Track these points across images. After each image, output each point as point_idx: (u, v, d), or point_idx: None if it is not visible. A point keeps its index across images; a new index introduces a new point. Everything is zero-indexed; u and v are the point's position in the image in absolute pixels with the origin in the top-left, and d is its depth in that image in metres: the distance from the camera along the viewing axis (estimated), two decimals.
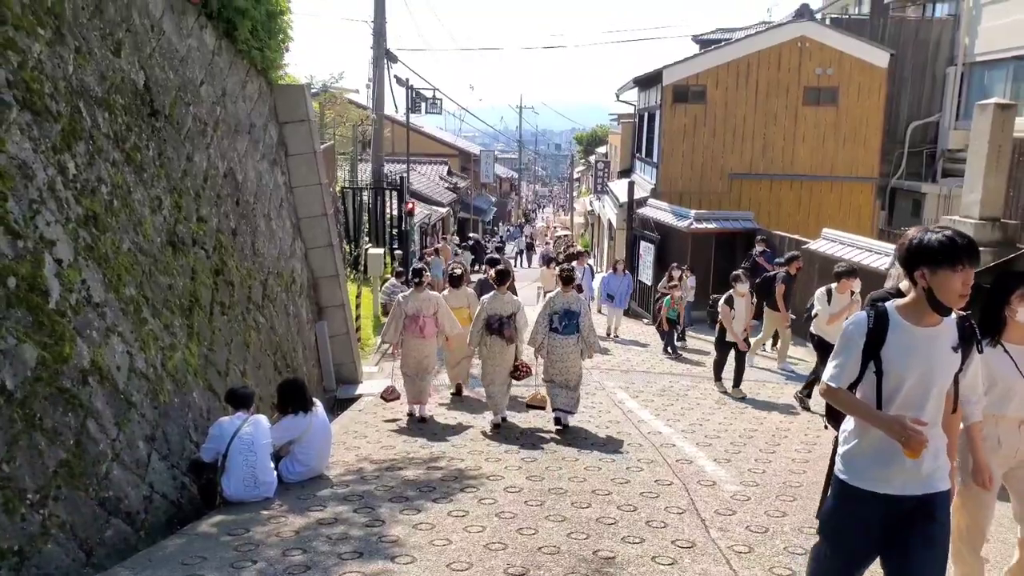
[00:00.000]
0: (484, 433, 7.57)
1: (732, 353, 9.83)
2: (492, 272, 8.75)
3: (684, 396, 9.59)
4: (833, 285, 8.85)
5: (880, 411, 2.87)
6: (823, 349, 8.75)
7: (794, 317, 11.86)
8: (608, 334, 14.90)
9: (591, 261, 22.83)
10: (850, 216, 20.19)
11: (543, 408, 7.81)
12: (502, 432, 7.56)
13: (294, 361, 8.88)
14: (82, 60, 5.04)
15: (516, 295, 8.51)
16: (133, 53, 5.84)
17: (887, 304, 2.99)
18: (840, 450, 3.05)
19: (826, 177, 20.82)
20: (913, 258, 2.85)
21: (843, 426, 3.10)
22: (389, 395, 8.48)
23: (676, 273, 14.29)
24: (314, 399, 6.22)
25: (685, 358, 12.74)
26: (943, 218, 11.75)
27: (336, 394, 10.05)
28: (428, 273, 9.39)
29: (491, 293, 7.96)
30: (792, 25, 20.89)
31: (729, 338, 9.79)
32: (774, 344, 13.07)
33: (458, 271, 9.69)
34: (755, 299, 10.56)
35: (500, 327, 7.64)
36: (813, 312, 8.99)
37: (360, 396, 9.95)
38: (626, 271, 15.78)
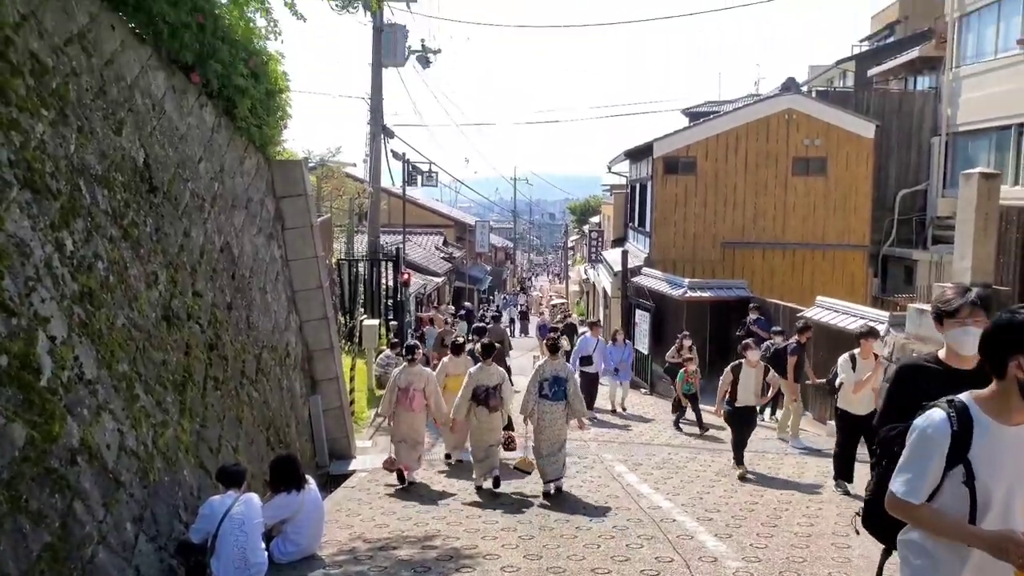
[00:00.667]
0: (474, 501, 7.79)
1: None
2: (478, 345, 9.28)
3: (683, 468, 9.46)
4: (856, 350, 8.31)
5: (977, 528, 2.46)
6: (848, 424, 8.14)
7: (821, 380, 11.15)
8: (613, 409, 14.37)
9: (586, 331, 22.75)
10: (843, 283, 20.32)
11: (529, 472, 8.24)
12: (497, 504, 7.44)
13: (287, 436, 8.76)
14: (84, 139, 5.12)
15: (506, 365, 9.34)
16: (134, 132, 5.95)
17: (965, 398, 2.58)
18: (910, 573, 2.65)
19: (818, 245, 21.05)
20: (1003, 343, 2.46)
21: (908, 542, 2.68)
22: (389, 465, 8.76)
23: (687, 343, 13.75)
24: (307, 476, 6.12)
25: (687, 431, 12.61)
26: (935, 285, 11.81)
27: (329, 470, 9.88)
28: (420, 350, 9.74)
29: (477, 365, 8.58)
30: (779, 98, 21.43)
31: (739, 404, 9.20)
32: (772, 413, 12.95)
33: (459, 340, 10.02)
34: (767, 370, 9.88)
35: (486, 397, 8.14)
36: (837, 382, 8.29)
37: (354, 472, 9.79)
38: (627, 341, 15.40)
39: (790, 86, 21.78)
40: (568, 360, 15.99)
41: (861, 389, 7.96)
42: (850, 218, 21.13)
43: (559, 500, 7.66)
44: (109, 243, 5.27)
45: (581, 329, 20.79)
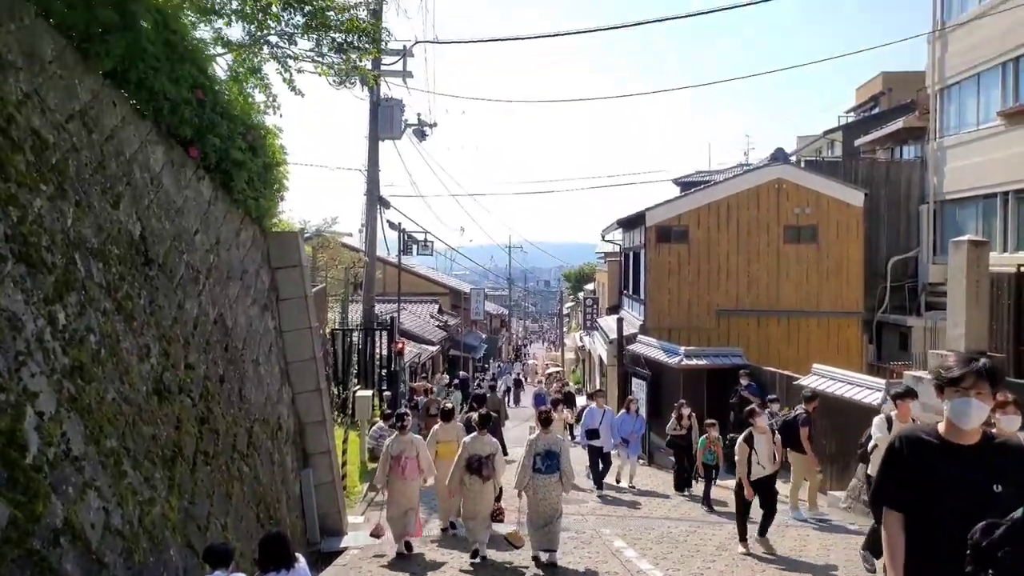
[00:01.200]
0: (466, 569, 7.89)
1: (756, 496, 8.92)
2: (475, 416, 9.50)
3: (684, 543, 9.27)
4: (892, 412, 7.72)
5: None
6: None
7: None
8: (618, 481, 13.78)
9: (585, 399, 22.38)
10: (839, 351, 20.32)
11: (520, 547, 8.34)
12: (488, 571, 7.25)
13: (277, 512, 8.58)
14: (81, 213, 5.16)
15: (502, 435, 9.62)
16: (131, 205, 6.00)
17: None
18: None
19: (812, 312, 21.13)
20: None
21: None
22: (378, 532, 9.18)
23: (686, 411, 13.27)
24: (296, 554, 5.96)
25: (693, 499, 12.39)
26: (931, 352, 11.81)
27: (320, 547, 9.65)
28: (410, 418, 9.98)
29: (472, 435, 8.83)
30: (769, 168, 21.83)
31: (757, 475, 8.82)
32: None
33: (449, 405, 10.34)
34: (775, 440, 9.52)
35: (479, 467, 8.32)
36: (870, 447, 7.69)
37: (345, 549, 9.56)
38: (639, 411, 14.57)
39: (779, 156, 22.21)
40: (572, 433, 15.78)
41: None
42: (843, 285, 21.28)
43: (552, 567, 7.51)
44: (102, 316, 5.25)
45: (580, 400, 20.67)
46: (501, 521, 8.58)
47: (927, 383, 10.56)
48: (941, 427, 3.19)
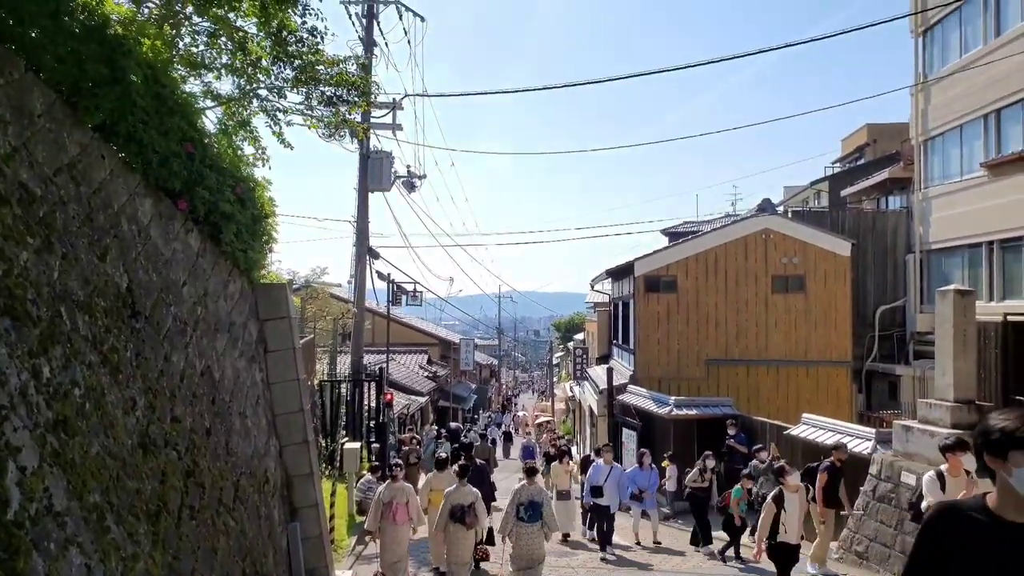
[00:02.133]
0: None
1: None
2: (456, 467, 9.90)
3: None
4: (942, 467, 7.08)
5: None
6: None
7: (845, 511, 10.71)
8: (638, 543, 13.04)
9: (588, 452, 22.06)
10: (828, 400, 20.33)
11: None
12: None
13: (264, 567, 8.42)
14: (67, 266, 5.17)
15: (491, 482, 11.23)
16: (119, 258, 6.00)
17: None
18: None
19: (801, 362, 21.17)
20: None
21: None
22: None
23: (711, 463, 12.64)
24: None
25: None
26: (920, 401, 11.82)
27: None
28: (402, 469, 10.34)
29: (453, 485, 9.38)
30: (756, 219, 22.08)
31: (783, 538, 8.12)
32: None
33: (442, 455, 10.71)
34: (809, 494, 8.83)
35: (462, 515, 8.92)
36: (924, 506, 7.01)
37: None
38: (652, 465, 13.79)
39: (766, 207, 22.50)
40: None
41: None
42: (831, 334, 21.38)
43: None
44: (87, 369, 5.22)
45: (582, 454, 20.41)
46: (486, 559, 9.45)
47: (916, 432, 10.56)
48: (991, 500, 2.48)
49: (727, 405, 17.57)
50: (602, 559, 11.67)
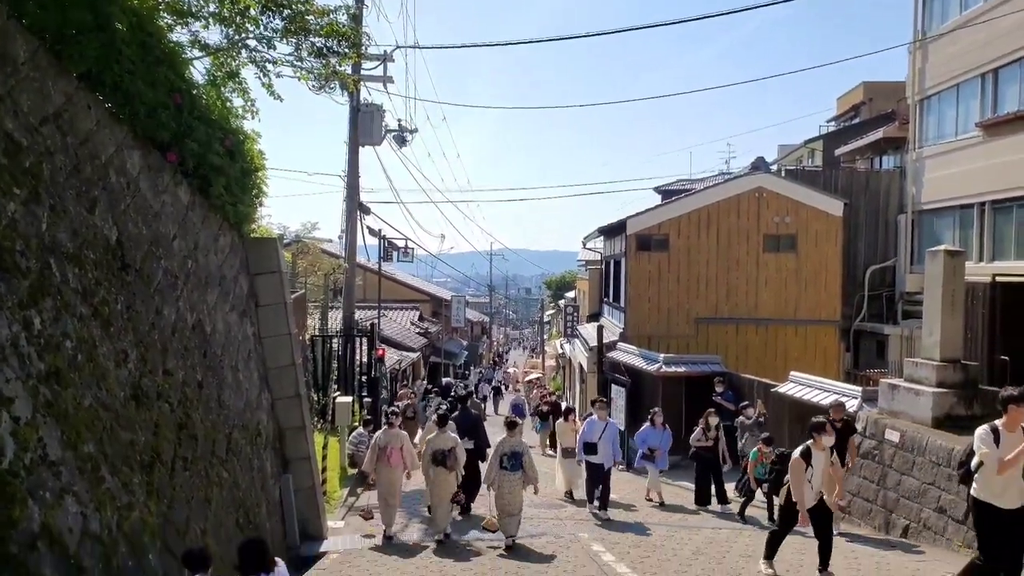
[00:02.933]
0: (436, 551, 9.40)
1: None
2: (435, 416, 10.64)
3: (661, 547, 9.31)
4: (997, 421, 6.35)
5: None
6: (996, 524, 6.12)
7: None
8: (654, 500, 12.74)
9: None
10: (816, 358, 20.52)
11: (494, 532, 9.62)
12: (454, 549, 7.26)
13: (257, 518, 8.53)
14: (56, 217, 5.13)
15: (484, 433, 11.80)
16: (107, 210, 5.96)
17: None
18: None
19: (790, 321, 21.31)
20: None
21: None
22: (367, 514, 10.58)
23: (713, 420, 12.27)
24: (276, 559, 5.94)
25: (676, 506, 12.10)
26: (906, 360, 11.96)
27: (300, 551, 9.60)
28: (399, 417, 10.98)
29: (434, 432, 10.21)
30: (749, 177, 22.01)
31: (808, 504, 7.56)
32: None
33: (443, 410, 11.04)
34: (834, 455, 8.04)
35: (443, 459, 9.76)
36: (975, 463, 6.30)
37: (325, 553, 9.52)
38: (665, 424, 13.17)
39: (760, 165, 22.42)
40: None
41: (1008, 469, 6.02)
42: (821, 294, 21.48)
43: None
44: (78, 321, 5.21)
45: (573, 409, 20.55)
46: (459, 501, 10.26)
47: (902, 391, 10.70)
48: None
49: (716, 363, 17.73)
50: (599, 523, 10.85)
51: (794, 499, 7.47)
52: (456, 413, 11.95)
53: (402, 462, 10.20)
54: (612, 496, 11.84)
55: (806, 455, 7.55)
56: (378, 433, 10.67)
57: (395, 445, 10.20)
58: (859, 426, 11.13)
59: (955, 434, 9.43)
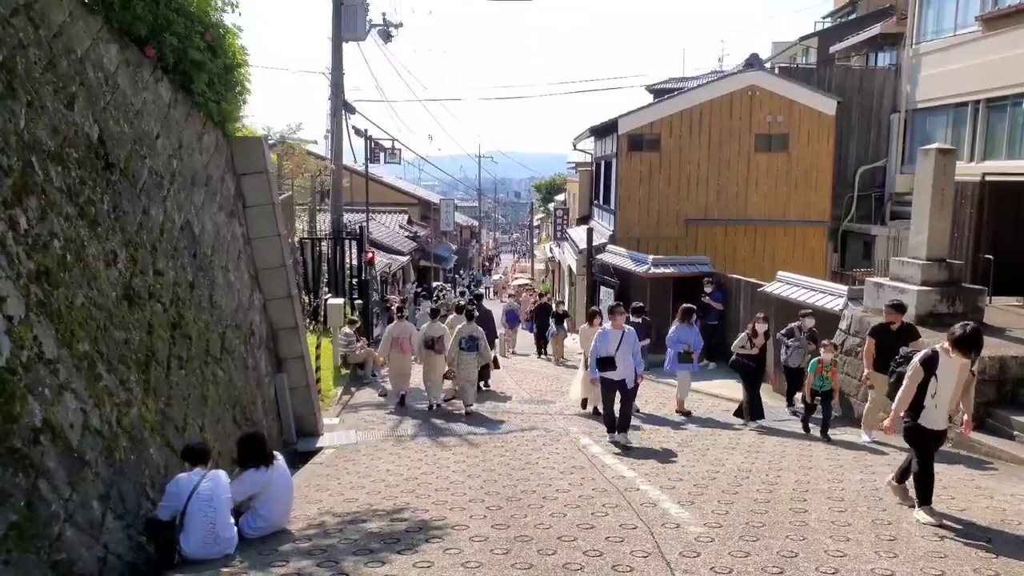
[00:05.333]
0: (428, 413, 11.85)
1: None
2: (428, 310, 13.45)
3: (647, 440, 9.60)
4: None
5: None
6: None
7: None
8: (683, 411, 11.44)
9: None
10: (804, 259, 20.65)
11: (456, 399, 12.19)
12: (464, 475, 7.50)
13: (253, 415, 8.72)
14: (34, 114, 5.01)
15: (494, 325, 14.90)
16: (87, 107, 5.82)
17: None
18: None
19: (779, 221, 21.33)
20: None
21: None
22: (384, 392, 13.09)
23: (761, 327, 10.75)
24: (275, 452, 6.11)
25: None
26: (892, 259, 12.07)
27: (297, 447, 9.87)
28: (407, 310, 13.13)
29: (428, 323, 12.70)
30: (742, 75, 21.59)
31: (928, 421, 6.01)
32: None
33: (462, 303, 13.12)
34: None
35: (432, 344, 11.91)
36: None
37: (321, 449, 9.79)
38: (697, 320, 12.02)
39: (753, 62, 21.95)
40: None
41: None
42: (811, 194, 21.43)
43: (525, 466, 7.78)
44: (65, 221, 5.17)
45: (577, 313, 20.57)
46: (450, 377, 12.18)
47: (887, 289, 10.85)
48: None
49: (704, 263, 17.83)
50: (617, 452, 8.94)
51: (901, 402, 6.08)
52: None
53: (411, 349, 12.22)
54: (704, 415, 11.14)
55: (931, 362, 5.96)
56: (391, 326, 13.00)
57: (404, 336, 12.32)
58: (843, 324, 11.34)
59: (938, 332, 9.62)
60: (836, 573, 4.78)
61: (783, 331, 11.50)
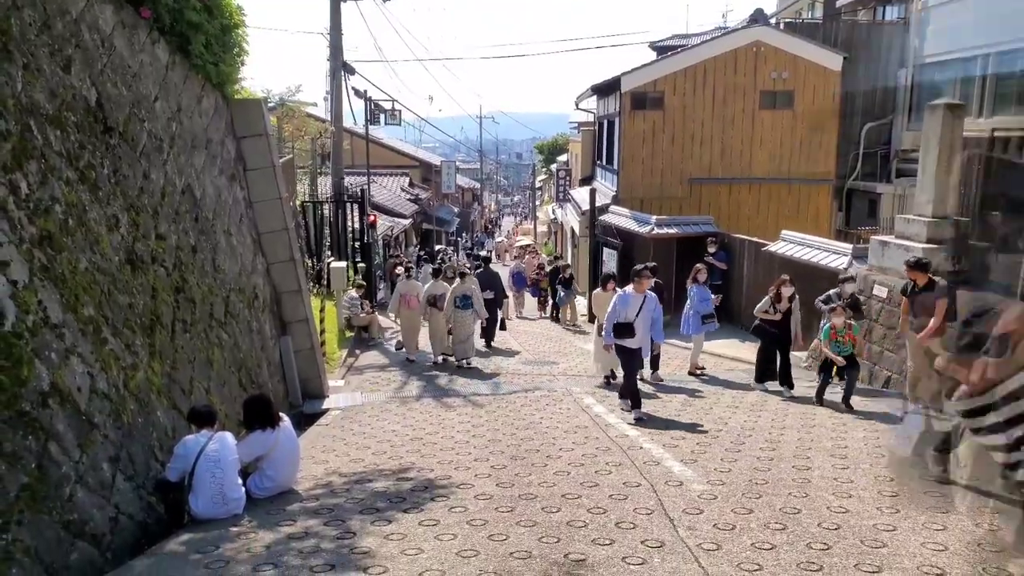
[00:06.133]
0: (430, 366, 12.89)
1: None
2: (431, 269, 14.72)
3: (650, 400, 9.65)
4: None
5: None
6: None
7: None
8: (698, 370, 11.36)
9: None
10: (808, 217, 20.55)
11: (452, 356, 12.98)
12: (468, 435, 7.57)
13: (259, 377, 8.78)
14: (31, 77, 4.96)
15: (501, 286, 15.46)
16: (84, 69, 5.76)
17: None
18: None
19: (784, 180, 21.18)
20: None
21: None
22: (399, 345, 14.21)
23: (787, 291, 9.87)
24: (281, 414, 6.16)
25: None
26: (897, 217, 11.99)
27: (302, 409, 9.96)
28: (415, 269, 14.28)
29: (431, 282, 13.51)
30: (747, 30, 21.27)
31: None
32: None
33: (466, 270, 13.97)
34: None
35: (435, 302, 12.89)
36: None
37: (327, 411, 9.87)
38: (708, 280, 11.86)
39: (758, 18, 21.63)
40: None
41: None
42: (816, 152, 21.24)
43: (529, 426, 7.84)
44: (66, 185, 5.15)
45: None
46: (450, 333, 13.02)
47: (892, 247, 10.81)
48: None
49: (708, 223, 17.77)
50: (633, 420, 8.43)
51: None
52: (480, 271, 15.47)
53: (419, 305, 13.19)
54: (716, 373, 11.10)
55: None
56: (400, 283, 14.10)
57: (412, 293, 13.43)
58: (851, 287, 11.30)
59: None
60: (838, 529, 4.83)
61: (821, 297, 10.47)
